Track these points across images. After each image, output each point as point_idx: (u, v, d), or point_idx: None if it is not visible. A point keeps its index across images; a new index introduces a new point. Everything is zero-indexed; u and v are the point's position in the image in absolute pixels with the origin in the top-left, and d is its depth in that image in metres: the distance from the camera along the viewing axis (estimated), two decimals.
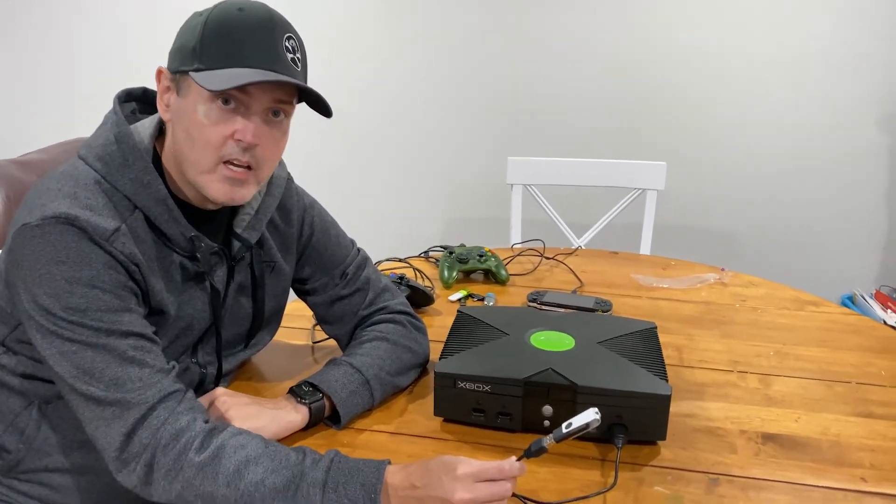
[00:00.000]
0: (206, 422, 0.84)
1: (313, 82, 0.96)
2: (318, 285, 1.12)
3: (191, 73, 0.84)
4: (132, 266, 0.86)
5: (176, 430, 0.81)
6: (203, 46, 0.84)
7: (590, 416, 0.82)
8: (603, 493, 0.84)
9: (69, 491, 0.95)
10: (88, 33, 2.75)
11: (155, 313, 0.91)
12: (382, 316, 1.12)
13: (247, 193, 0.90)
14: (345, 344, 1.14)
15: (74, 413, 0.85)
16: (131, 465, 0.82)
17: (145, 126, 0.92)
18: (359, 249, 1.17)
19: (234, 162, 0.87)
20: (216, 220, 0.97)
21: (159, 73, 0.90)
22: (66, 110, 2.84)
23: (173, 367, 0.88)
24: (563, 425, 0.83)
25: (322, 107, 0.90)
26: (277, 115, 0.89)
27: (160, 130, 0.93)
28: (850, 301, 2.47)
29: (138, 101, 0.98)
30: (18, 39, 2.78)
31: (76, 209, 0.83)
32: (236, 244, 0.98)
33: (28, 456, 0.94)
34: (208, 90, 0.82)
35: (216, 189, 0.88)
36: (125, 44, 2.73)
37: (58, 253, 0.82)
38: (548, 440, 0.84)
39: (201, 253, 0.93)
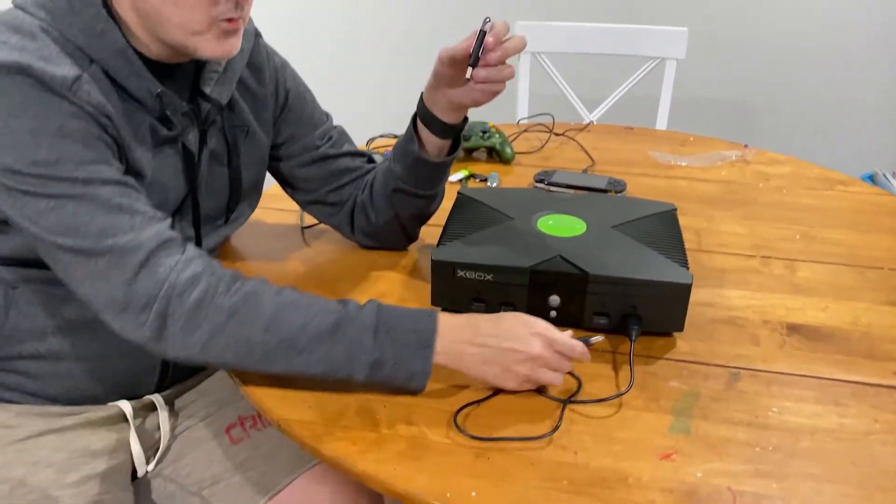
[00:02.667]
0: (242, 278, 0.77)
1: None
2: (297, 147, 1.04)
3: None
4: (103, 118, 0.76)
5: (192, 275, 0.74)
6: None
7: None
8: (621, 395, 0.78)
9: (46, 378, 0.90)
10: None
11: (132, 175, 0.81)
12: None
13: (239, 43, 0.82)
14: (348, 213, 1.06)
15: (62, 278, 0.77)
16: (141, 318, 0.74)
17: None
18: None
19: (227, 19, 0.78)
20: (179, 78, 0.86)
21: None
22: None
23: (168, 217, 0.80)
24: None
25: None
26: None
27: None
28: (870, 180, 2.36)
29: None
30: None
31: (27, 58, 0.72)
32: (206, 106, 0.89)
33: None
34: None
35: (212, 48, 0.79)
36: None
37: (14, 106, 0.71)
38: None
39: (172, 112, 0.83)
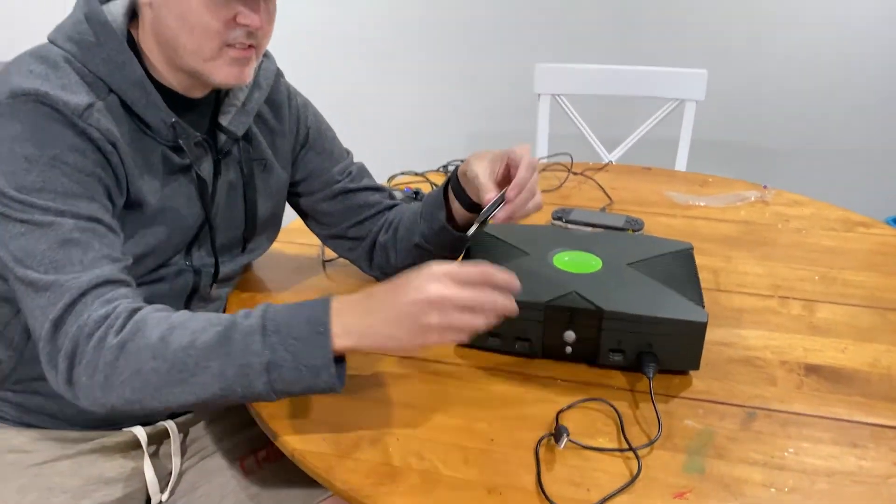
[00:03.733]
0: (139, 309, 0.74)
1: None
2: (318, 182, 1.06)
3: None
4: (108, 146, 0.79)
5: (99, 317, 0.71)
6: None
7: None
8: (652, 443, 0.76)
9: (65, 399, 0.91)
10: None
11: (134, 205, 0.84)
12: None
13: (251, 72, 0.86)
14: (366, 249, 1.07)
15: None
16: (55, 360, 0.72)
17: (116, 6, 0.85)
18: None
19: (238, 45, 0.82)
20: (199, 110, 0.91)
21: None
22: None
23: (128, 260, 0.80)
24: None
25: None
26: None
27: (134, 13, 0.86)
28: (894, 223, 2.34)
29: None
30: None
31: (47, 86, 0.77)
32: (222, 137, 0.92)
33: (20, 365, 0.90)
34: None
35: (224, 73, 0.83)
36: None
37: (23, 130, 0.75)
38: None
39: (185, 141, 0.86)
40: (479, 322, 0.71)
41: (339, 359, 0.72)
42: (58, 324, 0.72)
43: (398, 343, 0.70)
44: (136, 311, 0.73)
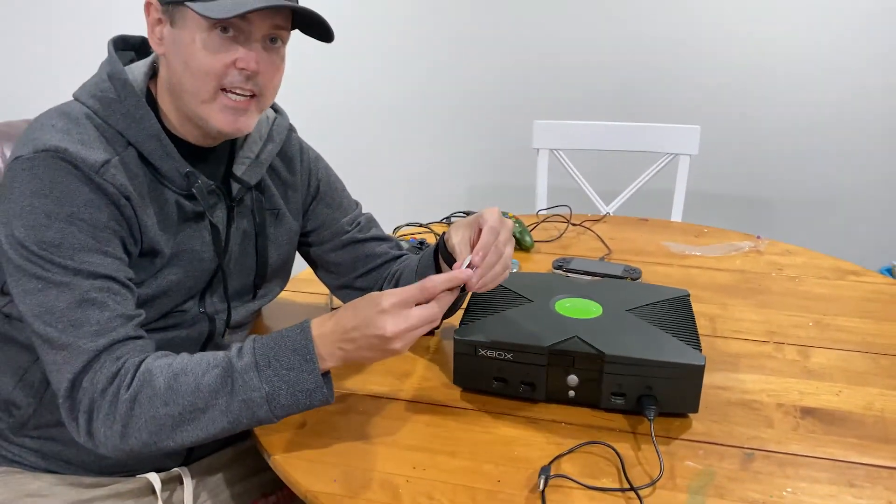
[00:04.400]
0: (143, 361, 0.81)
1: (335, 41, 0.92)
2: (327, 233, 1.11)
3: (187, 3, 0.82)
4: (122, 200, 0.84)
5: (112, 373, 0.79)
6: None
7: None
8: (654, 483, 0.79)
9: (81, 445, 0.93)
10: None
11: (148, 254, 0.88)
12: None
13: (250, 122, 0.90)
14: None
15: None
16: (74, 414, 0.80)
17: (139, 66, 0.91)
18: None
19: (237, 91, 0.86)
20: (214, 161, 0.96)
21: (148, 5, 0.88)
22: (81, 71, 2.82)
23: (140, 315, 0.85)
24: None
25: (323, 30, 0.88)
26: (275, 41, 0.88)
27: (154, 71, 0.92)
28: (889, 273, 2.38)
29: (137, 52, 0.96)
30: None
31: (67, 142, 0.82)
32: (235, 186, 0.97)
33: (39, 410, 0.93)
34: (211, 19, 0.81)
35: (219, 118, 0.87)
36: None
37: (43, 186, 0.81)
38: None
39: (197, 189, 0.91)
40: (435, 323, 0.81)
41: (326, 373, 0.82)
42: (75, 383, 0.79)
43: (372, 361, 0.86)
44: (141, 362, 0.81)
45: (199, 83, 0.85)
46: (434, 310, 0.80)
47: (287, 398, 0.79)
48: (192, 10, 0.82)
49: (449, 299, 0.82)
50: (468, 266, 0.85)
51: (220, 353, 0.81)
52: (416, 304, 0.80)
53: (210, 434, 0.79)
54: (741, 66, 2.34)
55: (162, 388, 0.78)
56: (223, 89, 0.86)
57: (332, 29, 0.88)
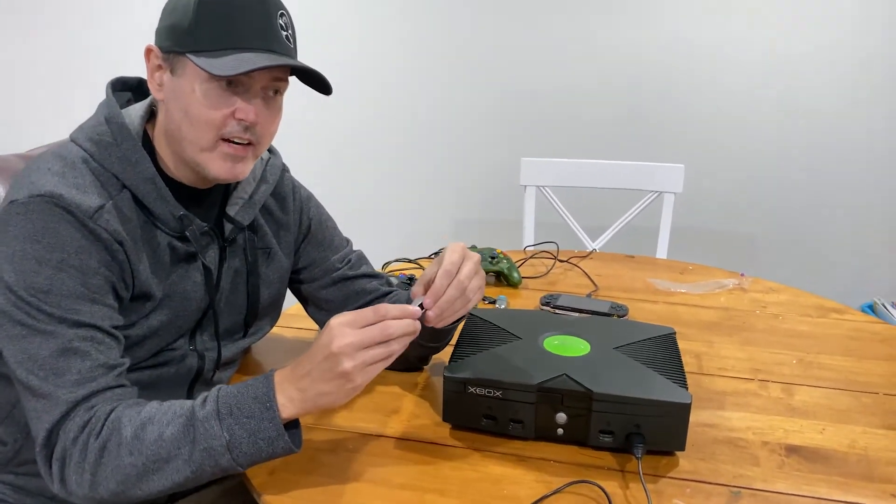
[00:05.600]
0: (114, 409, 0.80)
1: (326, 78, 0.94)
2: (318, 270, 1.12)
3: (189, 56, 0.84)
4: (115, 245, 0.85)
5: (84, 422, 0.79)
6: (198, 27, 0.84)
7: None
8: None
9: None
10: (100, 27, 2.74)
11: (141, 297, 0.89)
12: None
13: (247, 169, 0.91)
14: None
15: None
16: (48, 462, 0.80)
17: (136, 109, 0.93)
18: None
19: (235, 139, 0.88)
20: (208, 202, 0.97)
21: (148, 51, 0.89)
22: (74, 105, 2.83)
23: (124, 363, 0.85)
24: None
25: (321, 84, 0.90)
26: (275, 92, 0.90)
27: (152, 114, 0.93)
28: (870, 310, 2.41)
29: (134, 92, 0.98)
30: (27, 31, 2.77)
31: (62, 187, 0.82)
32: (228, 226, 0.98)
33: (25, 447, 0.92)
34: (216, 76, 0.82)
35: (217, 166, 0.88)
36: (139, 39, 2.72)
37: (35, 232, 0.81)
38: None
39: (190, 232, 0.91)
40: (392, 349, 0.79)
41: (293, 423, 0.81)
42: (51, 432, 0.79)
43: (332, 398, 0.79)
44: (112, 410, 0.80)
45: (198, 132, 0.86)
46: (388, 330, 0.78)
47: (248, 446, 0.78)
48: (194, 63, 0.83)
49: (407, 339, 0.80)
50: (420, 306, 0.86)
51: (188, 403, 0.81)
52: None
53: (176, 483, 0.78)
54: (725, 107, 2.40)
55: (129, 437, 0.78)
56: (222, 138, 0.87)
57: (330, 83, 0.89)
